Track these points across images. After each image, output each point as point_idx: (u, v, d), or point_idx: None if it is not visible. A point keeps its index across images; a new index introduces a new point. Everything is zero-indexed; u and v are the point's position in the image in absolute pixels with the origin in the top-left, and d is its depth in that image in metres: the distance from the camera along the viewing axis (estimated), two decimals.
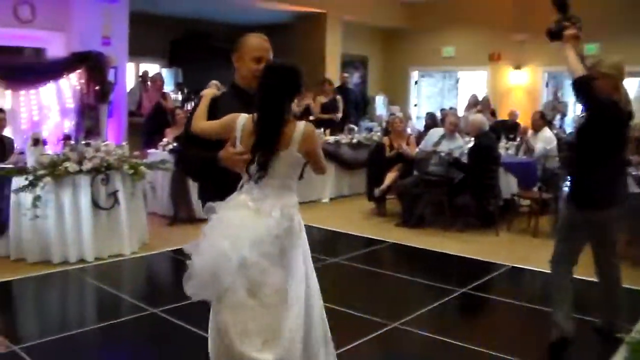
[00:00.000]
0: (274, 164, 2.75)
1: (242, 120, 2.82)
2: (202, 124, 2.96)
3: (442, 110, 12.55)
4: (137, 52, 11.16)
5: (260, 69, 2.93)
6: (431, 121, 11.72)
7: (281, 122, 2.76)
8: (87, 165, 5.86)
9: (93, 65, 8.28)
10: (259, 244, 2.66)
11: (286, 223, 2.74)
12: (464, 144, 8.10)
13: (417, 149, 8.32)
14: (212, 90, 3.13)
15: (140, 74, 11.47)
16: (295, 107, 10.49)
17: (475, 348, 4.09)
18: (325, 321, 2.93)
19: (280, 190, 2.79)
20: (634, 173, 7.16)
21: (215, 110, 2.97)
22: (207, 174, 2.98)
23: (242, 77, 3.10)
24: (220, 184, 2.86)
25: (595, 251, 4.18)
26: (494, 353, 3.99)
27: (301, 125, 2.81)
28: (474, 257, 6.38)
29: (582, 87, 3.89)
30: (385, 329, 4.40)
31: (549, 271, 4.29)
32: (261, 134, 2.75)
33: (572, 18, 4.14)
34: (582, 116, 4.72)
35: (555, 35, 4.14)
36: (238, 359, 2.61)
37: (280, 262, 2.71)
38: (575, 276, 4.20)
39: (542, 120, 9.38)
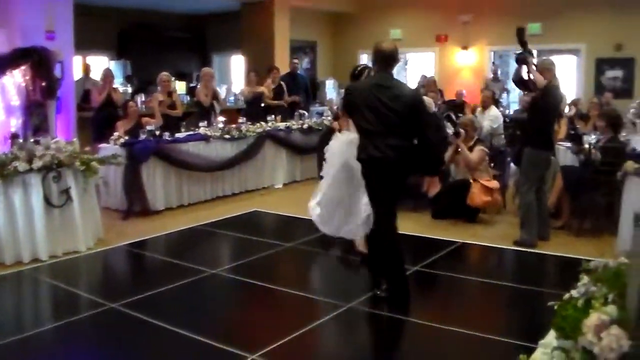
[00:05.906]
0: None
1: None
2: None
3: None
4: (84, 45, 11.00)
5: None
6: None
7: None
8: (37, 164, 5.79)
9: (38, 60, 8.08)
10: None
11: None
12: None
13: None
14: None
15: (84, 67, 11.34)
16: (247, 92, 10.49)
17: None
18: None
19: None
20: (567, 146, 7.49)
21: None
22: None
23: None
24: None
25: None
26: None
27: None
28: (425, 236, 6.62)
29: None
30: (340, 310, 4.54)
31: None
32: None
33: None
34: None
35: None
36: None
37: None
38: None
39: (492, 99, 9.67)
